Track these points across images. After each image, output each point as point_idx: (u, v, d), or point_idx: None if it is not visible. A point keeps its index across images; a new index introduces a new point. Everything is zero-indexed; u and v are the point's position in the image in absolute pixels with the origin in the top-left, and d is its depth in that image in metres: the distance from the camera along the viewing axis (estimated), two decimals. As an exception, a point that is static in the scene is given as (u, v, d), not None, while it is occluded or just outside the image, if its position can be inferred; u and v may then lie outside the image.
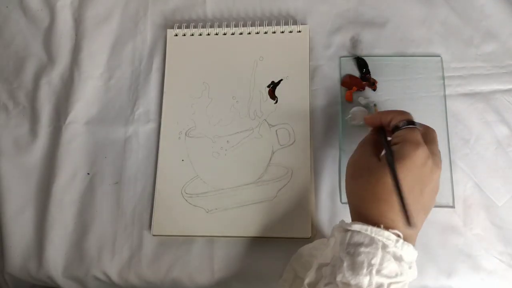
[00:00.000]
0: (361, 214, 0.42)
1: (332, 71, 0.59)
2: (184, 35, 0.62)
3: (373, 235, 0.39)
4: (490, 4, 0.60)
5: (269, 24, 0.60)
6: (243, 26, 0.61)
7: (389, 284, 0.37)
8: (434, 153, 0.43)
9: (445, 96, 0.57)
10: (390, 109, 0.56)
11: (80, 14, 0.65)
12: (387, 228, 0.39)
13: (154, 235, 0.55)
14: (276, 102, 0.57)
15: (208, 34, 0.61)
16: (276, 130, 0.57)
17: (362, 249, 0.38)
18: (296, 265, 0.48)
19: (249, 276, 0.54)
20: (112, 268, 0.55)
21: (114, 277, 0.55)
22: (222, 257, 0.54)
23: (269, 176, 0.55)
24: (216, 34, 0.61)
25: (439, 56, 0.58)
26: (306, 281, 0.41)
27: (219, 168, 0.56)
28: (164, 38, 0.62)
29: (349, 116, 0.56)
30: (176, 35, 0.62)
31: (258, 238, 0.54)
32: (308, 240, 0.53)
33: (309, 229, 0.53)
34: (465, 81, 0.58)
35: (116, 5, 0.65)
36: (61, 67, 0.63)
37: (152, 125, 0.59)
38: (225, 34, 0.61)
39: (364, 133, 0.53)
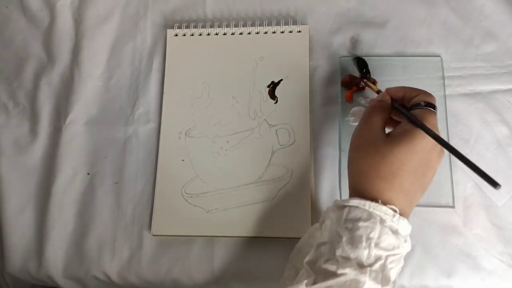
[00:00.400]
0: (360, 189, 0.42)
1: (332, 71, 0.59)
2: (184, 35, 0.62)
3: (371, 210, 0.39)
4: (490, 4, 0.60)
5: (269, 24, 0.60)
6: (243, 26, 0.61)
7: (387, 257, 0.38)
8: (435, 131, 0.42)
9: (445, 96, 0.57)
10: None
11: (80, 14, 0.65)
12: (384, 203, 0.40)
13: (154, 235, 0.55)
14: (276, 102, 0.57)
15: (208, 34, 0.61)
16: (276, 130, 0.57)
17: (361, 223, 0.39)
18: (296, 262, 0.48)
19: (249, 276, 0.54)
20: (112, 268, 0.55)
21: (114, 277, 0.55)
22: (222, 257, 0.54)
23: (269, 176, 0.55)
24: (216, 34, 0.61)
25: (439, 56, 0.58)
26: (306, 259, 0.42)
27: (219, 168, 0.56)
28: (164, 38, 0.62)
29: (349, 116, 0.56)
30: (176, 35, 0.62)
31: (258, 238, 0.54)
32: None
33: (309, 229, 0.53)
34: (465, 81, 0.58)
35: (116, 5, 0.65)
36: (61, 67, 0.63)
37: (152, 125, 0.59)
38: (225, 34, 0.61)
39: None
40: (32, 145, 0.60)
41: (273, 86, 0.56)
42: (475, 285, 0.52)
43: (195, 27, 0.61)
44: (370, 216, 0.39)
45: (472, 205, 0.53)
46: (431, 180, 0.44)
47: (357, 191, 0.43)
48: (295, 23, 0.60)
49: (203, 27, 0.61)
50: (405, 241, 0.40)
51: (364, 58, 0.58)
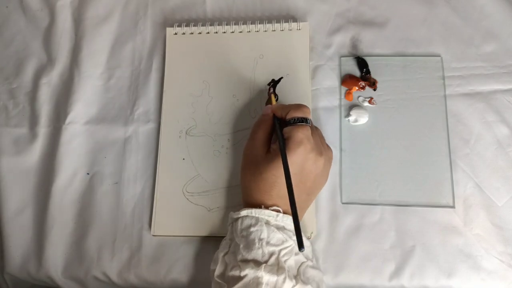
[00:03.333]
0: (248, 201, 0.49)
1: (332, 71, 0.59)
2: (184, 33, 0.62)
3: (257, 215, 0.46)
4: (490, 4, 0.60)
5: (269, 22, 0.60)
6: (243, 24, 0.61)
7: (280, 250, 0.45)
8: (317, 143, 0.48)
9: (445, 96, 0.57)
10: (390, 108, 0.57)
11: (80, 14, 0.65)
12: (267, 207, 0.47)
13: (154, 235, 0.55)
14: (277, 100, 0.57)
15: (208, 33, 0.61)
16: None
17: (251, 229, 0.46)
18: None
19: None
20: (112, 268, 0.55)
21: (114, 277, 0.55)
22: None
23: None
24: (216, 32, 0.61)
25: (439, 56, 0.59)
26: (216, 273, 0.46)
27: (220, 167, 0.56)
28: (164, 37, 0.62)
29: (349, 116, 0.56)
30: (176, 33, 0.62)
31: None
32: (308, 240, 0.53)
33: (309, 229, 0.53)
34: (465, 81, 0.58)
35: (116, 5, 0.65)
36: (61, 67, 0.63)
37: (152, 125, 0.59)
38: (225, 32, 0.61)
39: (364, 134, 0.53)
40: (32, 145, 0.60)
41: (273, 84, 0.56)
42: (475, 285, 0.52)
43: (195, 25, 0.61)
44: (257, 221, 0.46)
45: (472, 205, 0.53)
46: (319, 183, 0.50)
47: (246, 202, 0.49)
48: (295, 21, 0.60)
49: (203, 25, 0.61)
50: (294, 234, 0.45)
51: (364, 58, 0.58)
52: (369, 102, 0.57)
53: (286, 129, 0.48)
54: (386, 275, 0.52)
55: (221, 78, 0.59)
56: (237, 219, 0.48)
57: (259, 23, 0.61)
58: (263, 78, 0.58)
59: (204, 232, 0.54)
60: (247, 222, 0.46)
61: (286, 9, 0.63)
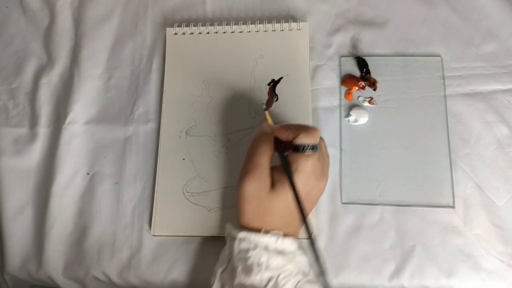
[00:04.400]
0: (246, 221, 0.47)
1: (332, 71, 0.59)
2: (184, 33, 0.62)
3: (256, 240, 0.44)
4: (490, 4, 0.60)
5: (269, 22, 0.60)
6: (243, 24, 0.61)
7: (278, 275, 0.43)
8: (323, 167, 0.48)
9: (445, 96, 0.57)
10: (390, 108, 0.57)
11: (80, 14, 0.65)
12: (267, 231, 0.45)
13: (154, 235, 0.55)
14: (277, 100, 0.57)
15: (208, 33, 0.61)
16: (276, 129, 0.56)
17: (250, 253, 0.44)
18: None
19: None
20: (112, 268, 0.55)
21: (114, 277, 0.55)
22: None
23: (270, 175, 0.55)
24: (216, 32, 0.61)
25: (439, 56, 0.58)
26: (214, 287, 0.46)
27: (220, 167, 0.56)
28: (164, 37, 0.62)
29: (349, 116, 0.56)
30: (176, 33, 0.62)
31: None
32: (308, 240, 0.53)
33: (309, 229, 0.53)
34: (465, 81, 0.58)
35: (116, 5, 0.65)
36: (61, 67, 0.63)
37: (152, 125, 0.59)
38: (225, 32, 0.61)
39: (364, 134, 0.53)
40: (32, 145, 0.60)
41: (273, 84, 0.56)
42: (475, 285, 0.52)
43: (195, 25, 0.61)
44: (256, 246, 0.44)
45: (472, 205, 0.53)
46: (317, 200, 0.50)
47: (243, 220, 0.47)
48: (295, 21, 0.60)
49: (203, 25, 0.61)
50: (295, 255, 0.45)
51: (364, 58, 0.58)
52: (369, 102, 0.57)
53: (294, 157, 0.46)
54: (386, 275, 0.52)
55: (221, 78, 0.59)
56: (234, 238, 0.46)
57: (259, 23, 0.61)
58: (263, 78, 0.58)
59: (204, 232, 0.54)
60: (245, 245, 0.45)
61: (286, 9, 0.63)
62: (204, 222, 0.54)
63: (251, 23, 0.61)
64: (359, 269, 0.52)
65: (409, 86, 0.57)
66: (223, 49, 0.60)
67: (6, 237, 0.57)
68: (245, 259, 0.44)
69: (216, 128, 0.58)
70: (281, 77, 0.57)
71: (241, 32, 0.61)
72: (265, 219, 0.46)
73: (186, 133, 0.58)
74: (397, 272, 0.52)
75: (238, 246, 0.45)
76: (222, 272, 0.46)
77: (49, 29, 0.65)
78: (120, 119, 0.60)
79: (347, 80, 0.58)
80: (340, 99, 0.58)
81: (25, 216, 0.58)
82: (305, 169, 0.45)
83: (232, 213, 0.54)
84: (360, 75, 0.58)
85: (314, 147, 0.45)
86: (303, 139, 0.45)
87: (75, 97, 0.61)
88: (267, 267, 0.43)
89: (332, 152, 0.56)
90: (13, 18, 0.66)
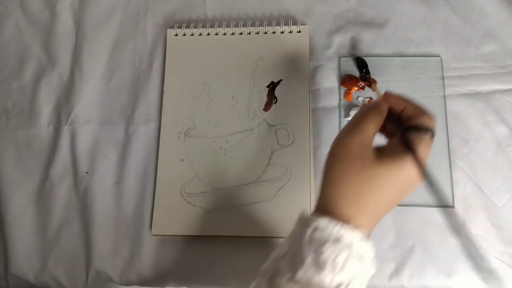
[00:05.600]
0: (331, 204, 0.39)
1: (332, 71, 0.59)
2: (184, 35, 0.62)
3: (340, 233, 0.36)
4: (490, 4, 0.60)
5: (269, 24, 0.60)
6: (243, 26, 0.61)
7: (350, 282, 0.36)
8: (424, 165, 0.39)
9: (445, 96, 0.57)
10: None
11: (81, 15, 0.65)
12: (355, 226, 0.37)
13: (154, 235, 0.55)
14: (276, 102, 0.57)
15: (208, 34, 0.61)
16: (275, 130, 0.57)
17: (327, 246, 0.36)
18: None
19: (248, 276, 0.53)
20: (112, 267, 0.55)
21: (115, 277, 0.55)
22: (222, 257, 0.54)
23: (268, 176, 0.55)
24: (216, 34, 0.61)
25: (439, 56, 0.58)
26: (263, 268, 0.40)
27: (218, 168, 0.56)
28: (164, 38, 0.63)
29: (349, 116, 0.56)
30: (176, 35, 0.62)
31: (257, 238, 0.54)
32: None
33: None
34: (465, 81, 0.58)
35: (116, 5, 0.65)
36: (61, 68, 0.63)
37: (152, 125, 0.60)
38: (225, 34, 0.61)
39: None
40: (32, 146, 0.60)
41: (272, 86, 0.56)
42: (475, 285, 0.51)
43: (195, 27, 0.62)
44: (337, 240, 0.36)
45: (472, 205, 0.53)
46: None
47: (327, 205, 0.39)
48: (295, 23, 0.60)
49: (203, 27, 0.61)
50: (370, 265, 0.38)
51: (364, 58, 0.58)
52: (369, 102, 0.57)
53: (413, 135, 0.39)
54: (386, 275, 0.52)
55: (220, 80, 0.59)
56: (310, 223, 0.38)
57: (259, 25, 0.61)
58: (263, 80, 0.59)
59: (203, 232, 0.54)
60: (323, 235, 0.36)
61: (286, 10, 0.63)
62: (202, 222, 0.55)
63: (251, 25, 0.61)
64: (358, 269, 0.52)
65: (409, 86, 0.57)
66: (223, 50, 0.61)
67: (9, 238, 0.57)
68: (319, 252, 0.36)
69: (215, 129, 0.58)
70: (281, 80, 0.57)
71: (241, 34, 0.61)
72: (360, 202, 0.38)
73: (185, 134, 0.58)
74: (397, 272, 0.52)
75: (313, 234, 0.37)
76: (278, 260, 0.38)
77: (49, 30, 0.65)
78: (120, 119, 0.60)
79: (346, 80, 0.58)
80: (340, 99, 0.58)
81: (27, 216, 0.58)
82: (421, 154, 0.38)
83: (231, 214, 0.54)
84: (360, 75, 0.58)
85: (433, 134, 0.40)
86: (428, 121, 0.40)
87: (76, 98, 0.61)
88: (341, 270, 0.35)
89: (332, 152, 0.56)
90: (13, 19, 0.66)
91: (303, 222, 0.38)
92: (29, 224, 0.58)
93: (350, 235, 0.36)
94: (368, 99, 0.57)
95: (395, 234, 0.53)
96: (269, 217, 0.54)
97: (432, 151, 0.54)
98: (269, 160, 0.56)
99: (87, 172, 0.59)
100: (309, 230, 0.37)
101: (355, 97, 0.58)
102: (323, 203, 0.39)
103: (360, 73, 0.58)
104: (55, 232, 0.57)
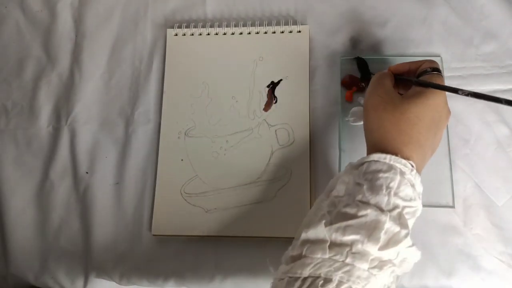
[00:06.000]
0: (380, 144, 0.43)
1: (332, 71, 0.59)
2: (184, 34, 0.62)
3: (391, 162, 0.41)
4: (490, 4, 0.60)
5: (269, 24, 0.60)
6: (243, 26, 0.61)
7: (404, 207, 0.40)
8: (446, 102, 0.46)
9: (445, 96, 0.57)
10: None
11: (80, 15, 0.65)
12: (403, 157, 0.41)
13: (154, 235, 0.55)
14: (276, 102, 0.57)
15: (208, 34, 0.61)
16: (275, 130, 0.57)
17: (381, 174, 0.40)
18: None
19: (248, 276, 0.54)
20: (112, 268, 0.55)
21: (115, 277, 0.55)
22: (222, 257, 0.54)
23: (268, 176, 0.55)
24: (216, 34, 0.61)
25: (439, 56, 0.58)
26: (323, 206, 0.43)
27: (218, 168, 0.56)
28: (164, 38, 0.63)
29: (349, 116, 0.56)
30: (176, 34, 0.62)
31: (257, 238, 0.54)
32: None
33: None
34: (465, 81, 0.58)
35: (116, 5, 0.65)
36: (61, 68, 0.63)
37: (152, 125, 0.60)
38: (225, 34, 0.61)
39: (363, 133, 0.52)
40: (32, 146, 0.60)
41: (272, 86, 0.56)
42: (475, 285, 0.52)
43: (195, 26, 0.62)
44: (390, 168, 0.41)
45: (472, 205, 0.53)
46: (439, 141, 0.46)
47: (376, 146, 0.44)
48: (295, 23, 0.60)
49: (203, 26, 0.61)
50: (419, 197, 0.42)
51: (364, 58, 0.58)
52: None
53: (424, 77, 0.46)
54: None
55: (220, 80, 0.59)
56: (362, 164, 0.43)
57: (259, 25, 0.61)
58: (263, 80, 0.59)
59: (203, 232, 0.54)
60: (376, 166, 0.41)
61: (286, 10, 0.63)
62: (202, 222, 0.55)
63: (251, 25, 0.61)
64: (358, 269, 0.52)
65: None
66: (223, 50, 0.60)
67: (9, 237, 0.57)
68: (374, 179, 0.41)
69: (215, 129, 0.58)
70: (281, 79, 0.57)
71: (241, 33, 0.61)
72: (405, 135, 0.43)
73: (185, 134, 0.58)
74: (397, 272, 0.52)
75: (367, 168, 0.42)
76: (335, 198, 0.43)
77: (49, 30, 0.65)
78: (120, 119, 0.60)
79: (347, 80, 0.58)
80: (340, 99, 0.58)
81: (26, 216, 0.58)
82: (441, 83, 0.45)
83: (231, 214, 0.54)
84: (360, 75, 0.58)
85: (437, 70, 0.47)
86: (428, 64, 0.47)
87: (75, 98, 0.61)
88: (396, 193, 0.40)
89: (332, 152, 0.56)
90: (13, 19, 0.66)
91: (355, 166, 0.43)
92: (29, 224, 0.58)
93: (400, 164, 0.41)
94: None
95: (395, 234, 0.53)
96: (269, 217, 0.54)
97: (432, 151, 0.53)
98: (269, 160, 0.56)
99: (87, 172, 0.59)
100: (364, 167, 0.42)
101: (355, 97, 0.57)
102: (371, 148, 0.45)
103: (360, 73, 0.58)
104: (55, 232, 0.57)
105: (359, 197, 0.40)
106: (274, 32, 0.60)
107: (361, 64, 0.58)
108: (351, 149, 0.56)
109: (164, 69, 0.61)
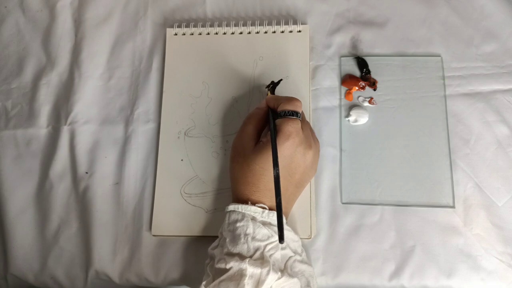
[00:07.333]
0: (236, 194, 0.49)
1: (332, 71, 0.59)
2: (184, 34, 0.62)
3: (243, 211, 0.47)
4: (490, 4, 0.60)
5: (269, 23, 0.60)
6: (243, 25, 0.61)
7: (265, 246, 0.45)
8: (307, 136, 0.49)
9: (445, 96, 0.57)
10: (390, 108, 0.57)
11: (80, 15, 0.65)
12: (254, 203, 0.47)
13: (154, 235, 0.55)
14: (276, 101, 0.57)
15: (208, 34, 0.61)
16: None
17: (238, 224, 0.46)
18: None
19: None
20: (112, 268, 0.55)
21: (115, 277, 0.55)
22: (222, 257, 0.54)
23: (269, 176, 0.55)
24: (216, 33, 0.61)
25: (439, 56, 0.58)
26: (206, 262, 0.48)
27: (218, 168, 0.56)
28: (164, 37, 0.62)
29: (349, 116, 0.56)
30: (176, 34, 0.62)
31: (257, 238, 0.54)
32: (308, 240, 0.53)
33: (309, 229, 0.53)
34: (465, 81, 0.58)
35: (116, 5, 0.65)
36: (61, 68, 0.63)
37: (151, 125, 0.59)
38: (225, 33, 0.61)
39: (364, 134, 0.53)
40: (31, 146, 0.60)
41: (273, 86, 0.56)
42: (475, 285, 0.52)
43: (195, 26, 0.61)
44: (243, 216, 0.46)
45: (472, 205, 0.53)
46: (307, 175, 0.50)
47: (234, 195, 0.50)
48: (295, 22, 0.60)
49: (203, 26, 0.61)
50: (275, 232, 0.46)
51: (364, 58, 0.58)
52: (369, 102, 0.57)
53: (277, 121, 0.49)
54: (386, 275, 0.52)
55: (220, 80, 0.59)
56: (226, 213, 0.48)
57: (259, 25, 0.61)
58: (263, 80, 0.58)
59: (203, 232, 0.54)
60: (234, 217, 0.47)
61: (286, 10, 0.63)
62: (202, 222, 0.54)
63: (251, 24, 0.61)
64: (359, 269, 0.52)
65: (409, 86, 0.57)
66: (223, 50, 0.60)
67: (9, 238, 0.57)
68: (234, 230, 0.46)
69: (214, 129, 0.58)
70: (281, 79, 0.57)
71: (241, 33, 0.61)
72: (252, 186, 0.48)
73: (185, 134, 0.58)
74: (397, 272, 0.52)
75: (228, 219, 0.47)
76: (213, 249, 0.48)
77: (49, 29, 0.65)
78: (120, 119, 0.60)
79: (347, 80, 0.58)
80: (340, 99, 0.58)
81: (26, 216, 0.58)
82: (284, 130, 0.47)
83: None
84: (360, 75, 0.58)
85: (293, 113, 0.48)
86: (283, 106, 0.49)
87: (75, 98, 0.61)
88: (253, 238, 0.45)
89: (332, 152, 0.56)
90: (12, 19, 0.66)
91: (224, 214, 0.49)
92: (29, 224, 0.57)
93: (251, 211, 0.46)
94: (369, 98, 0.57)
95: (395, 234, 0.53)
96: (270, 217, 0.54)
97: (432, 151, 0.55)
98: (269, 160, 0.56)
99: (86, 172, 0.58)
100: (227, 217, 0.48)
101: (356, 96, 0.58)
102: (232, 195, 0.51)
103: (360, 72, 0.58)
104: (54, 232, 0.57)
105: (225, 250, 0.45)
106: (274, 32, 0.60)
107: (362, 63, 0.58)
108: (351, 149, 0.56)
109: (163, 68, 0.61)
